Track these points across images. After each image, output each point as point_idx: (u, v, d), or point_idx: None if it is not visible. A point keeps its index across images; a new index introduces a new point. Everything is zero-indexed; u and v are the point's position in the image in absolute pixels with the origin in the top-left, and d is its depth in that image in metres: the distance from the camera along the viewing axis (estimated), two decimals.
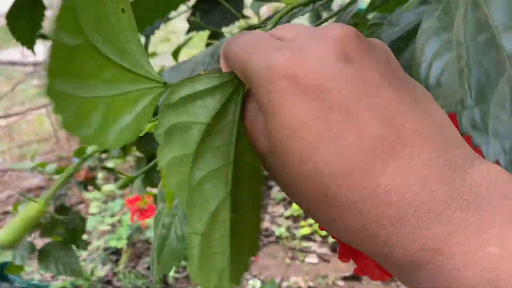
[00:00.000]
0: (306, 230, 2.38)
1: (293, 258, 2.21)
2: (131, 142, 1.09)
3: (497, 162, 0.19)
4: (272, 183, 2.93)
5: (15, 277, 1.29)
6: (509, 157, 0.19)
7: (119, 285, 1.92)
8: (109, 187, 2.46)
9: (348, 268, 2.14)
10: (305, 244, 2.31)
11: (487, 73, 0.20)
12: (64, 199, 1.11)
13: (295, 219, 2.55)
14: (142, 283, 1.93)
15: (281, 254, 2.25)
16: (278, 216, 2.59)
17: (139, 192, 1.16)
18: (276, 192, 2.81)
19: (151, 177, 1.06)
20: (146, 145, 1.09)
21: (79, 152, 1.18)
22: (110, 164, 2.28)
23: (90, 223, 2.22)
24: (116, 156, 1.08)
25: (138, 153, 1.15)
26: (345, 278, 2.04)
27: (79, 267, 1.12)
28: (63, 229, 1.12)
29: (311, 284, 2.01)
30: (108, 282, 1.95)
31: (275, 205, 2.71)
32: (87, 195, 2.48)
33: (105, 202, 2.44)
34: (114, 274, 1.98)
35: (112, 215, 2.28)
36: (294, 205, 2.61)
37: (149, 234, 2.14)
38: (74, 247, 1.15)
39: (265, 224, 2.50)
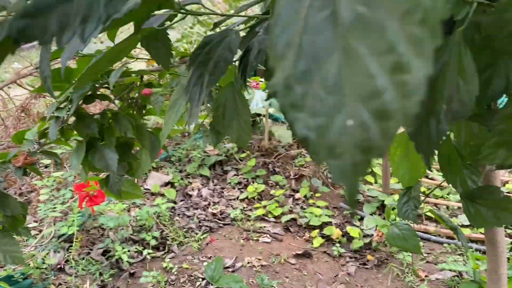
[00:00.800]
0: (260, 211, 2.42)
1: (247, 239, 2.25)
2: (70, 126, 1.07)
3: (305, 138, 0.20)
4: (227, 167, 2.95)
5: None
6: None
7: (72, 272, 1.90)
8: (60, 174, 2.42)
9: (300, 245, 2.20)
10: (259, 224, 2.35)
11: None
12: (1, 185, 1.09)
13: (250, 201, 2.59)
14: (96, 269, 1.92)
15: (236, 236, 2.28)
16: (233, 199, 2.62)
17: (82, 178, 1.15)
18: (232, 176, 2.83)
19: (91, 161, 1.06)
20: (86, 128, 1.09)
21: (17, 138, 1.16)
22: (59, 150, 2.24)
23: (41, 211, 2.18)
24: (54, 140, 1.07)
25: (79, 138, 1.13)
26: (296, 256, 2.10)
27: (21, 255, 1.11)
28: (2, 217, 1.11)
29: (264, 263, 2.05)
30: (61, 269, 1.93)
31: (231, 189, 2.73)
32: (38, 183, 2.42)
33: (57, 189, 2.40)
34: (67, 261, 1.96)
35: (64, 202, 2.25)
36: (249, 188, 2.64)
37: (102, 220, 2.12)
38: (16, 235, 1.13)
39: (221, 207, 2.53)
